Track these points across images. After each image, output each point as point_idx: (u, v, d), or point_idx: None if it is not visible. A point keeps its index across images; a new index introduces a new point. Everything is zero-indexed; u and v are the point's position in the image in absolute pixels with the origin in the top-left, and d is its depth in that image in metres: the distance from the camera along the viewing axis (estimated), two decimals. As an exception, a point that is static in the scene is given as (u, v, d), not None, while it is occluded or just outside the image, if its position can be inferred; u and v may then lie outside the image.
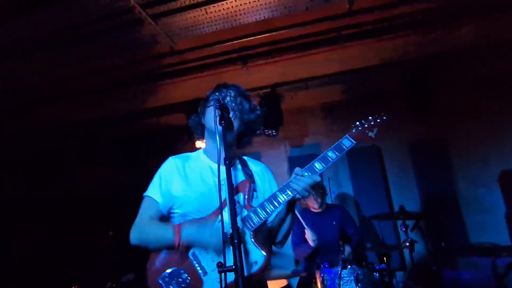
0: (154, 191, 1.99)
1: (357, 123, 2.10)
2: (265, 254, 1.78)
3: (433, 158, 5.32)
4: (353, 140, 1.99)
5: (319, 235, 4.21)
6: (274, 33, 3.99)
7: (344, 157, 5.55)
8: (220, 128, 1.76)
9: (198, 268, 1.81)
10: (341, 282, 3.56)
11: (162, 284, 1.80)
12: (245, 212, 1.87)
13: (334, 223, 4.35)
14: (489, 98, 5.08)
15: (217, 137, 1.76)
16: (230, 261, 1.54)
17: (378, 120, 2.09)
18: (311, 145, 5.87)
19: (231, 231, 1.54)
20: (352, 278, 3.56)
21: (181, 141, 5.61)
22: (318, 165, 1.91)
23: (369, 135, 2.06)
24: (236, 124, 1.99)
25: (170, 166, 2.03)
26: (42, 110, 5.21)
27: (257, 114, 2.13)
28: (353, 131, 2.05)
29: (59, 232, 5.51)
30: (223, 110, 1.80)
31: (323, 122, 5.82)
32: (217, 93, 2.03)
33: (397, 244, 4.92)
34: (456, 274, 4.42)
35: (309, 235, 4.14)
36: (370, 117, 2.09)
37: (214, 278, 1.75)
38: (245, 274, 1.67)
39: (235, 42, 4.10)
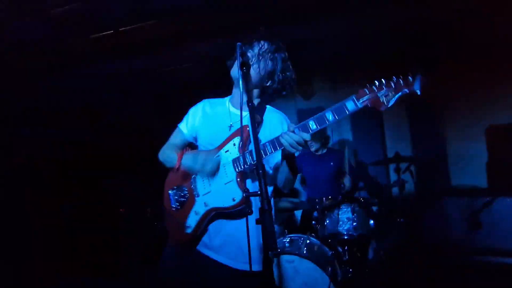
0: (183, 123, 2.32)
1: (376, 82, 1.69)
2: (243, 194, 1.80)
3: (427, 112, 5.77)
4: (358, 104, 1.70)
5: (316, 174, 4.83)
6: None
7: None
8: (240, 73, 1.88)
9: (193, 190, 2.08)
10: (339, 212, 4.14)
11: (170, 194, 2.16)
12: (236, 155, 1.97)
13: (332, 163, 4.85)
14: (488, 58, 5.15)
15: (240, 82, 1.88)
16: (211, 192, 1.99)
17: (403, 84, 1.66)
18: (320, 97, 6.22)
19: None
20: (349, 209, 4.10)
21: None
22: (312, 125, 1.79)
23: (381, 100, 1.67)
24: (255, 78, 2.08)
25: (199, 106, 2.32)
26: (73, 66, 5.33)
27: (282, 78, 2.14)
28: (364, 91, 1.70)
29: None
30: (243, 57, 1.93)
31: (331, 76, 6.12)
32: (248, 45, 2.10)
33: (388, 184, 5.63)
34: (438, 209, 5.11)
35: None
36: (394, 78, 1.67)
37: (202, 201, 2.04)
38: (223, 206, 1.95)
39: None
